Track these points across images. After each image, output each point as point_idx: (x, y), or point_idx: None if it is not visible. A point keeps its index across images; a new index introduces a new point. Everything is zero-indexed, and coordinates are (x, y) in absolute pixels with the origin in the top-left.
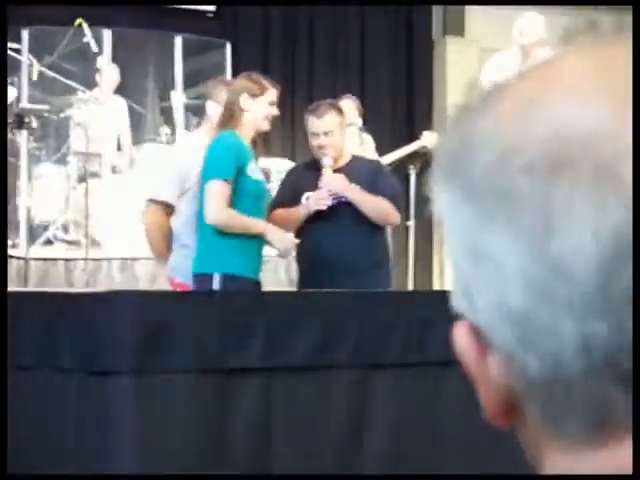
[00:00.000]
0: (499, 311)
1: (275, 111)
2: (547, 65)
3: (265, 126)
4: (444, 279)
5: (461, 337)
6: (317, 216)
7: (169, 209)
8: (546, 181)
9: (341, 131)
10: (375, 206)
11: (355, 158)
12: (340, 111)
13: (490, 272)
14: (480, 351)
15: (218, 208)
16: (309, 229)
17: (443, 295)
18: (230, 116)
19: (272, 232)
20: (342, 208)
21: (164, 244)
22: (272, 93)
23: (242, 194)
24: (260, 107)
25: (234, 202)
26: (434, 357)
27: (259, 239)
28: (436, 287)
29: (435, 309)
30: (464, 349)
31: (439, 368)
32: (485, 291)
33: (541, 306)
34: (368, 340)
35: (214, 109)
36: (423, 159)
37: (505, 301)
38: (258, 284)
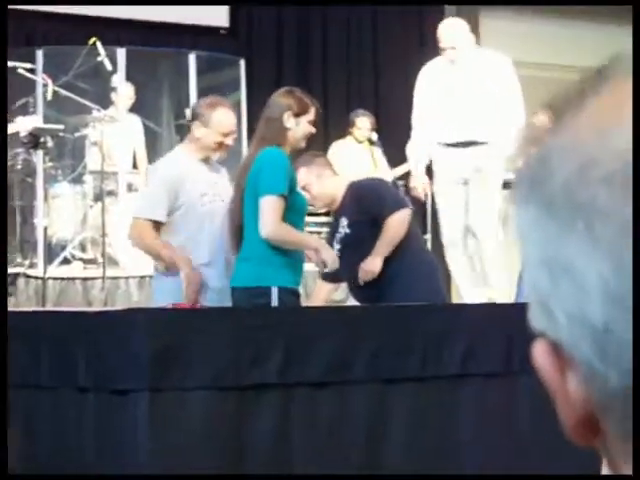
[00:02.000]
0: (580, 325)
1: (314, 130)
2: (623, 80)
3: (303, 144)
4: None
5: (541, 355)
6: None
7: (157, 226)
8: (625, 192)
9: (320, 180)
10: (391, 242)
11: (348, 187)
12: (318, 160)
13: (570, 285)
14: (560, 368)
15: (275, 223)
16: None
17: (459, 308)
18: (276, 132)
19: (325, 249)
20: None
21: (158, 242)
22: (313, 112)
23: (291, 209)
24: (302, 126)
25: (284, 217)
26: (451, 370)
27: (301, 253)
28: (453, 300)
29: (452, 322)
30: (544, 366)
31: (456, 381)
32: (565, 305)
33: (622, 318)
34: (385, 354)
35: (199, 131)
36: None
37: (586, 314)
38: (299, 296)
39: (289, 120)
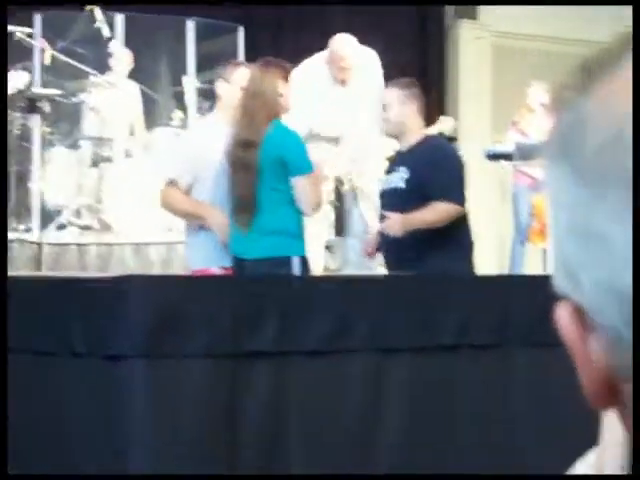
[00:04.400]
0: (607, 291)
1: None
2: None
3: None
4: None
5: (564, 317)
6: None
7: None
8: None
9: (402, 107)
10: (426, 223)
11: (427, 138)
12: (406, 85)
13: (599, 251)
14: (583, 331)
15: (319, 199)
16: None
17: (455, 279)
18: (270, 105)
19: None
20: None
21: (189, 203)
22: (290, 77)
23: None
24: (287, 93)
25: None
26: (447, 341)
27: None
28: None
29: (449, 292)
30: (567, 329)
31: (452, 351)
32: (593, 270)
33: None
34: (382, 324)
35: (224, 89)
36: None
37: (614, 280)
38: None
39: (280, 91)
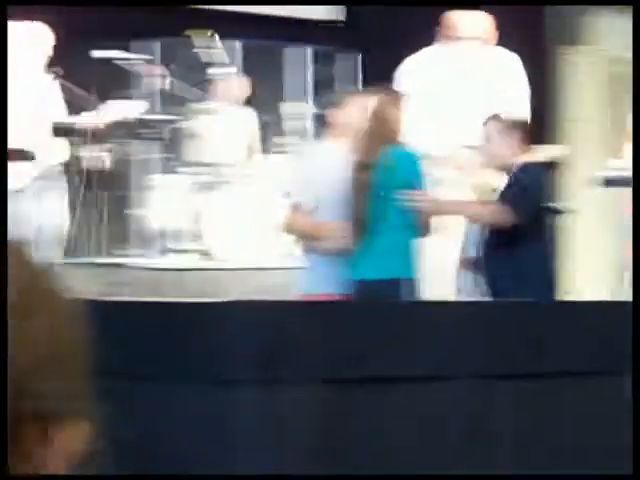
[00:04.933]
0: None
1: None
2: None
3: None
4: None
5: None
6: None
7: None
8: None
9: (501, 139)
10: (461, 212)
11: (523, 165)
12: (500, 119)
13: None
14: None
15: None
16: None
17: (566, 306)
18: (390, 130)
19: None
20: None
21: (312, 225)
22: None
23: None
24: (403, 121)
25: None
26: (555, 368)
27: None
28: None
29: (557, 320)
30: None
31: (559, 379)
32: None
33: None
34: (489, 351)
35: (338, 115)
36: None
37: None
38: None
39: (398, 118)
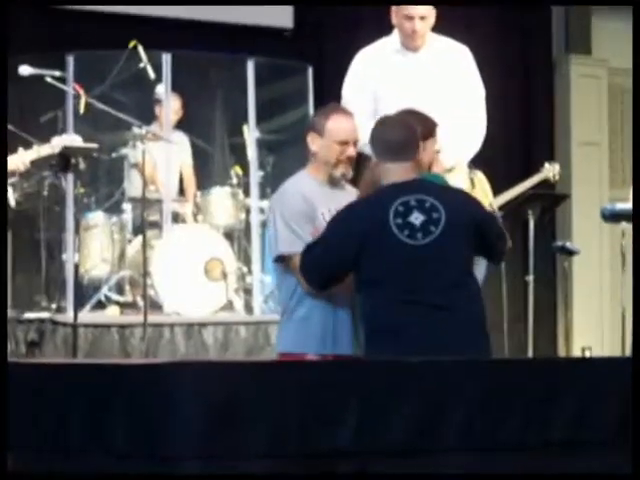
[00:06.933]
0: None
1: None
2: None
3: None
4: (570, 344)
5: None
6: None
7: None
8: None
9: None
10: None
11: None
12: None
13: None
14: None
15: None
16: None
17: (570, 363)
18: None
19: None
20: None
21: None
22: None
23: None
24: (428, 150)
25: None
26: (558, 437)
27: None
28: (561, 354)
29: (560, 380)
30: None
31: (564, 450)
32: None
33: None
34: (479, 419)
35: (315, 143)
36: (544, 199)
37: None
38: None
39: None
